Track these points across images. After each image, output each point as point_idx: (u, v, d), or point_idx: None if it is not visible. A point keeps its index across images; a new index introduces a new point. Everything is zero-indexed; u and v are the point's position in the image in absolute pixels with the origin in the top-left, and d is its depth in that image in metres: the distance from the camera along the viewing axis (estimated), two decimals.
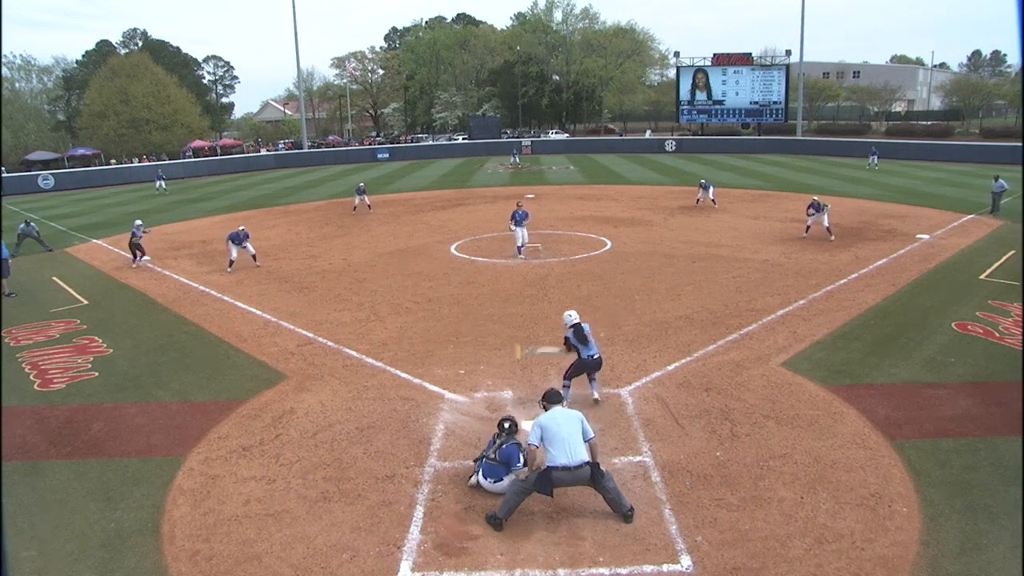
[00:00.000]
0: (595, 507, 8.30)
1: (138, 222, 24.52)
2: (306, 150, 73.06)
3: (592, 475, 8.04)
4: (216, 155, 72.60)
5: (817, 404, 11.11)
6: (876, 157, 51.81)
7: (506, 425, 8.96)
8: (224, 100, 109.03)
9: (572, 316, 11.35)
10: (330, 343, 14.60)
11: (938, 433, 10.16)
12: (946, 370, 12.50)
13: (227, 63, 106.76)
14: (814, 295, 17.22)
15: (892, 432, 10.14)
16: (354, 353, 13.92)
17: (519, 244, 22.22)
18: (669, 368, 12.69)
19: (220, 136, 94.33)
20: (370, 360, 13.44)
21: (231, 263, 22.05)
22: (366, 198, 34.50)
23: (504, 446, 8.74)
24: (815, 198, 25.37)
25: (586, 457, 8.07)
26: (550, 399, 8.57)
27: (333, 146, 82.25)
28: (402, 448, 9.95)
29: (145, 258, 23.74)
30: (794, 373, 12.36)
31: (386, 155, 70.63)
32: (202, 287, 19.94)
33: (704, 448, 9.76)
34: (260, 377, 12.88)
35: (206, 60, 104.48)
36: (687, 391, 11.69)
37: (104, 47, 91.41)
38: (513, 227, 22.30)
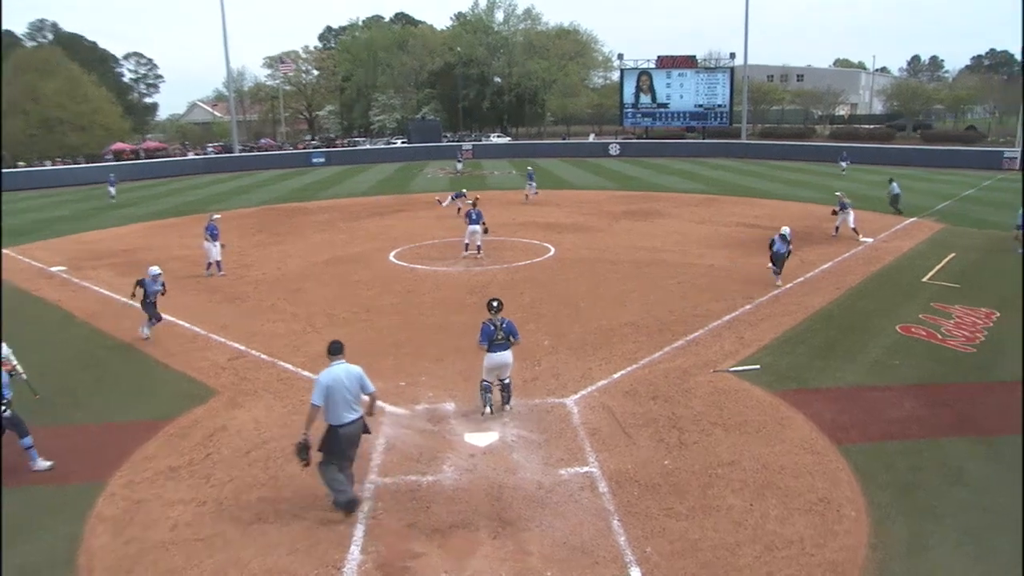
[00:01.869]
0: (542, 520, 8.33)
1: (155, 270, 16.11)
2: (237, 154, 71.67)
3: (364, 429, 8.80)
4: (139, 159, 70.57)
5: (764, 410, 11.38)
6: (847, 162, 51.63)
7: (494, 304, 10.98)
8: (148, 100, 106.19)
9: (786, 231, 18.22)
10: (264, 356, 14.32)
11: (884, 436, 10.52)
12: (891, 372, 12.96)
13: (150, 60, 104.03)
14: (760, 299, 17.65)
15: (839, 436, 10.45)
16: (289, 366, 13.69)
17: (467, 242, 23.08)
18: (615, 376, 12.84)
19: (144, 138, 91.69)
20: (306, 373, 13.20)
21: (211, 266, 21.73)
22: (458, 202, 32.22)
23: (504, 323, 10.90)
24: (839, 195, 26.04)
25: (359, 411, 8.69)
26: (332, 351, 8.85)
27: (266, 150, 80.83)
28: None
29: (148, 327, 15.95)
30: (741, 379, 12.65)
31: (322, 159, 69.78)
32: (125, 299, 19.31)
33: (652, 457, 9.89)
34: (189, 393, 12.55)
35: (127, 57, 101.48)
36: (634, 399, 11.84)
37: (7, 38, 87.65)
38: (468, 225, 22.93)
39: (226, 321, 16.82)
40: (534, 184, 36.27)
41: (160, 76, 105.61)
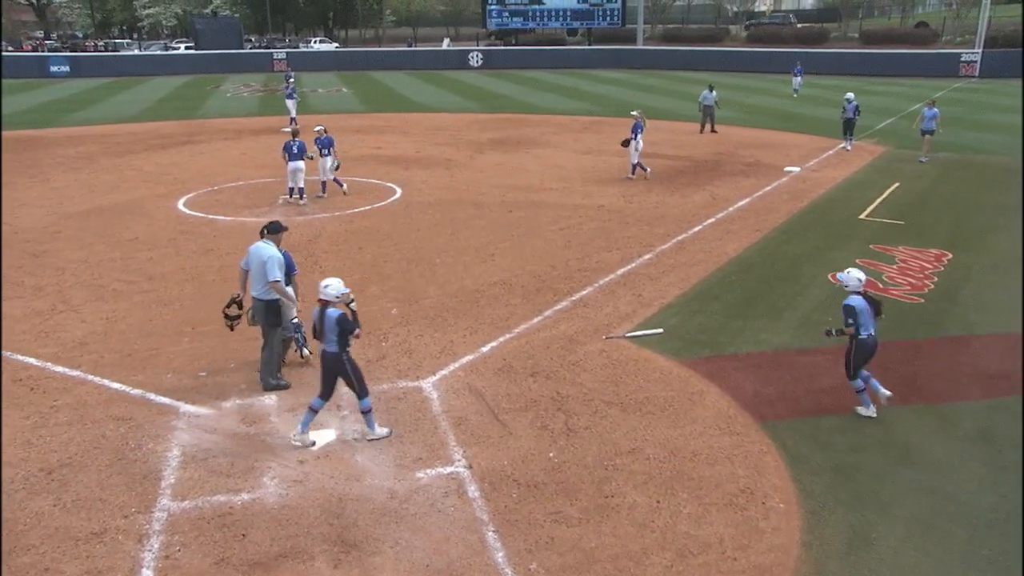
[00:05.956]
0: (397, 539, 8.39)
1: None
2: None
3: (266, 312, 11.61)
4: None
5: (671, 383, 11.86)
6: (801, 76, 48.85)
7: (265, 232, 11.95)
8: None
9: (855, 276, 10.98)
10: None
11: (817, 410, 11.20)
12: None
13: None
14: (662, 247, 18.33)
15: (763, 412, 11.04)
16: (33, 360, 12.93)
17: (291, 185, 22.55)
18: (484, 349, 13.04)
19: None
20: (60, 368, 12.59)
21: None
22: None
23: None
24: (636, 115, 25.57)
25: (267, 295, 11.51)
26: (269, 230, 11.74)
27: None
28: (117, 490, 9.43)
29: None
30: (640, 347, 13.12)
31: (65, 67, 66.59)
32: None
33: (533, 449, 10.12)
34: None
35: None
36: (508, 378, 12.06)
37: None
38: (290, 163, 22.11)
39: None
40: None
41: None
